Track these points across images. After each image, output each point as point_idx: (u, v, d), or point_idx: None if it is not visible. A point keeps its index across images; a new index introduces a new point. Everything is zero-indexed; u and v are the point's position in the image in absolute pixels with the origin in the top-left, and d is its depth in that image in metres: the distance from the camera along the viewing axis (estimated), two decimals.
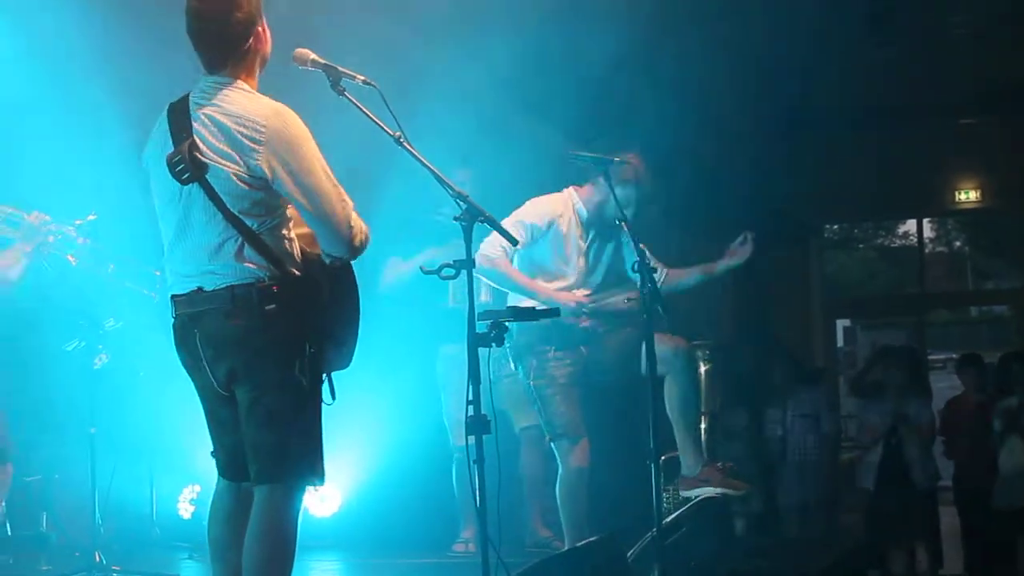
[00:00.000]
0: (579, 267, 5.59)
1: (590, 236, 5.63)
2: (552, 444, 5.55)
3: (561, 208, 5.60)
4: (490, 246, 5.38)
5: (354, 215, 3.74)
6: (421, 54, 6.96)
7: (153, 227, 3.90)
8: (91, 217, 5.71)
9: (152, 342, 5.64)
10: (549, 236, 5.53)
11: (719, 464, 5.66)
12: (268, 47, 3.88)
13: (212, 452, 3.92)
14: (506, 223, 5.34)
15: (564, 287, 5.55)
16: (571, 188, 5.67)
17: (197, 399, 3.89)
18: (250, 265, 3.67)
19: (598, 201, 5.58)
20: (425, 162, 4.07)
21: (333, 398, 3.83)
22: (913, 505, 7.73)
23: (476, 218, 4.13)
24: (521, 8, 6.73)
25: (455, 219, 4.13)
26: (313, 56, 4.01)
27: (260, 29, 3.82)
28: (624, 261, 5.66)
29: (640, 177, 5.54)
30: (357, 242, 3.75)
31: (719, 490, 5.53)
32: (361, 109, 3.98)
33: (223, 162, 3.63)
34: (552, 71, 7.16)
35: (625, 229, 5.35)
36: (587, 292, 5.58)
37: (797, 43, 8.02)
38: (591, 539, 5.04)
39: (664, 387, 5.42)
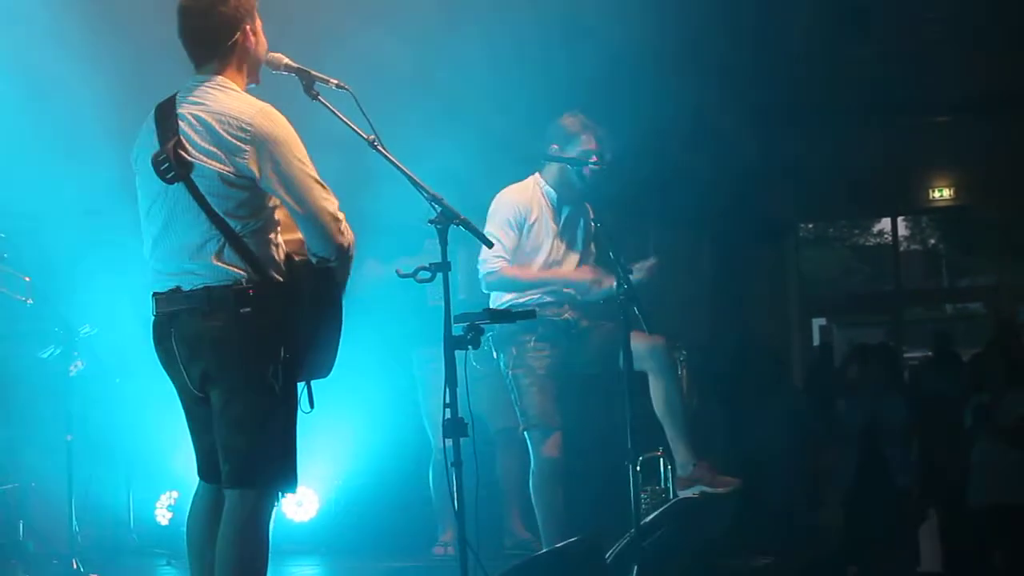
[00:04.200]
0: (554, 251, 5.59)
1: (563, 217, 5.62)
2: (525, 434, 5.54)
3: (529, 194, 5.59)
4: (488, 261, 5.39)
5: (341, 215, 3.75)
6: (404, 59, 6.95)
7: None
8: None
9: (128, 348, 5.61)
10: (526, 225, 5.52)
11: (707, 462, 5.64)
12: (261, 50, 3.89)
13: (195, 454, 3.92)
14: (490, 228, 5.34)
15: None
16: (536, 174, 5.67)
17: (173, 405, 3.89)
18: (229, 267, 3.67)
19: (557, 171, 5.58)
20: (399, 165, 4.07)
21: (312, 407, 3.82)
22: (890, 502, 7.75)
23: (451, 221, 4.13)
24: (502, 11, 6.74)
25: (430, 222, 4.14)
26: (286, 60, 4.00)
27: (249, 28, 3.82)
28: (600, 249, 5.65)
29: (585, 129, 5.54)
30: (344, 241, 3.75)
31: (715, 489, 5.49)
32: (335, 113, 3.99)
33: (209, 161, 3.64)
34: (529, 71, 7.17)
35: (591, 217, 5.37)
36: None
37: (774, 41, 8.06)
38: (570, 540, 5.03)
39: (649, 386, 5.42)
